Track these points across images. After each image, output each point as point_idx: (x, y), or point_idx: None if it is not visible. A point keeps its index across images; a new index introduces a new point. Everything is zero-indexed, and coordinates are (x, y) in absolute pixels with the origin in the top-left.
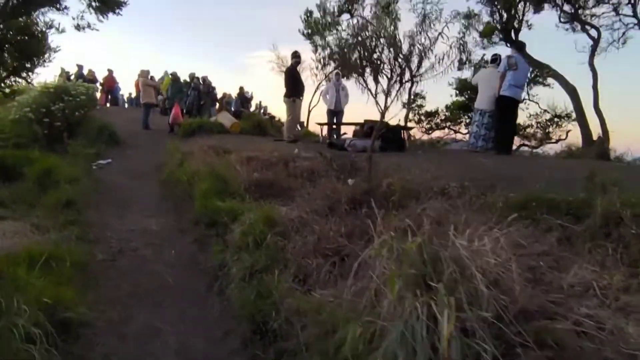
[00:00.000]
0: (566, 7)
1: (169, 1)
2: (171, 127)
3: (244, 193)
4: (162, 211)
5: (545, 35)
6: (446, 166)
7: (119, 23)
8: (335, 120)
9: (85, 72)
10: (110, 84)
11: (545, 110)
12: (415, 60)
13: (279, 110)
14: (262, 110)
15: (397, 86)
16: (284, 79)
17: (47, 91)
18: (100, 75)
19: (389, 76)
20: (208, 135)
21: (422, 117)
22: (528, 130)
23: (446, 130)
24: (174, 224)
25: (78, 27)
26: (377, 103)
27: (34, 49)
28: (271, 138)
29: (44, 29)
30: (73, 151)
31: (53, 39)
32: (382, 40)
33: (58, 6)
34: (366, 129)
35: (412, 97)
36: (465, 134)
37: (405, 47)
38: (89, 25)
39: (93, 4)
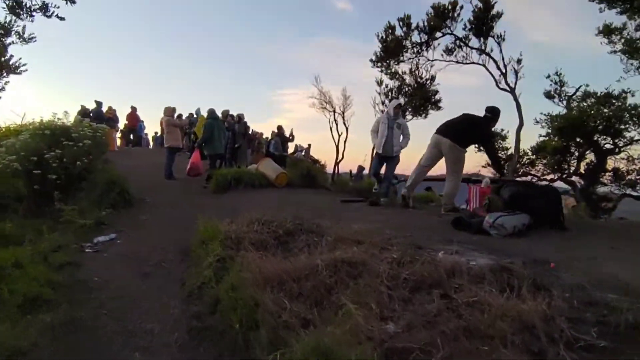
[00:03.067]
0: None
1: (185, 35)
2: (207, 178)
3: None
4: None
5: None
6: None
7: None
8: (387, 169)
9: (104, 109)
10: (133, 123)
11: None
12: None
13: (319, 151)
14: (302, 153)
15: None
16: (472, 125)
17: (41, 133)
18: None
19: None
20: (248, 190)
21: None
22: (630, 177)
23: (529, 177)
24: None
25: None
26: None
27: None
28: (325, 192)
29: None
30: (66, 219)
31: None
32: None
33: None
34: (509, 196)
35: None
36: (554, 180)
37: None
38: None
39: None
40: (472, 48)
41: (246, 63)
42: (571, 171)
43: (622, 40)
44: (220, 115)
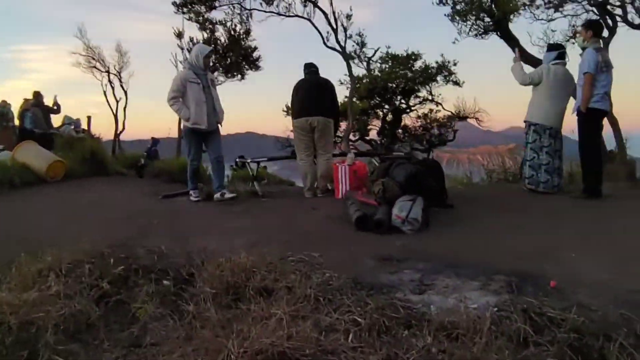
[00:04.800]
0: None
1: None
2: None
3: None
4: None
5: None
6: None
7: None
8: (214, 149)
9: None
10: None
11: (429, 111)
12: None
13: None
14: (73, 127)
15: None
16: (331, 95)
17: None
18: None
19: None
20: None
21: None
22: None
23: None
24: None
25: None
26: None
27: None
28: (124, 181)
29: None
30: None
31: None
32: None
33: None
34: (404, 178)
35: None
36: (355, 141)
37: None
38: None
39: None
40: None
41: None
42: (371, 131)
43: (451, 2)
44: None
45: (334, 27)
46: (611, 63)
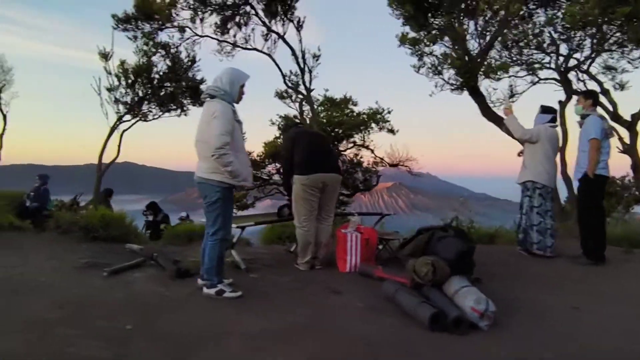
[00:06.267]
0: None
1: None
2: None
3: None
4: None
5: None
6: None
7: None
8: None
9: None
10: None
11: (355, 155)
12: None
13: None
14: None
15: None
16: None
17: None
18: None
19: None
20: None
21: None
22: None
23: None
24: None
25: None
26: None
27: None
28: (15, 239)
29: None
30: None
31: None
32: None
33: None
34: (456, 255)
35: None
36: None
37: None
38: None
39: None
40: (266, 26)
41: None
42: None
43: (420, 53)
44: None
45: (302, 66)
46: (612, 131)
